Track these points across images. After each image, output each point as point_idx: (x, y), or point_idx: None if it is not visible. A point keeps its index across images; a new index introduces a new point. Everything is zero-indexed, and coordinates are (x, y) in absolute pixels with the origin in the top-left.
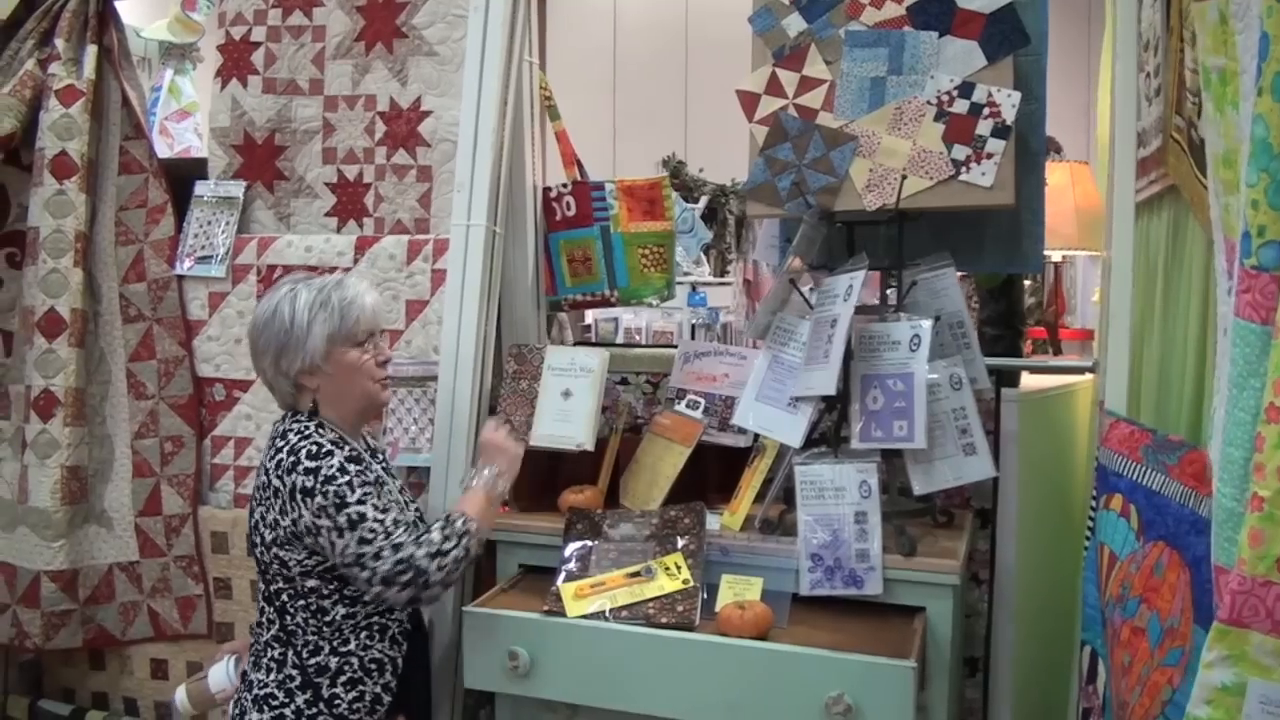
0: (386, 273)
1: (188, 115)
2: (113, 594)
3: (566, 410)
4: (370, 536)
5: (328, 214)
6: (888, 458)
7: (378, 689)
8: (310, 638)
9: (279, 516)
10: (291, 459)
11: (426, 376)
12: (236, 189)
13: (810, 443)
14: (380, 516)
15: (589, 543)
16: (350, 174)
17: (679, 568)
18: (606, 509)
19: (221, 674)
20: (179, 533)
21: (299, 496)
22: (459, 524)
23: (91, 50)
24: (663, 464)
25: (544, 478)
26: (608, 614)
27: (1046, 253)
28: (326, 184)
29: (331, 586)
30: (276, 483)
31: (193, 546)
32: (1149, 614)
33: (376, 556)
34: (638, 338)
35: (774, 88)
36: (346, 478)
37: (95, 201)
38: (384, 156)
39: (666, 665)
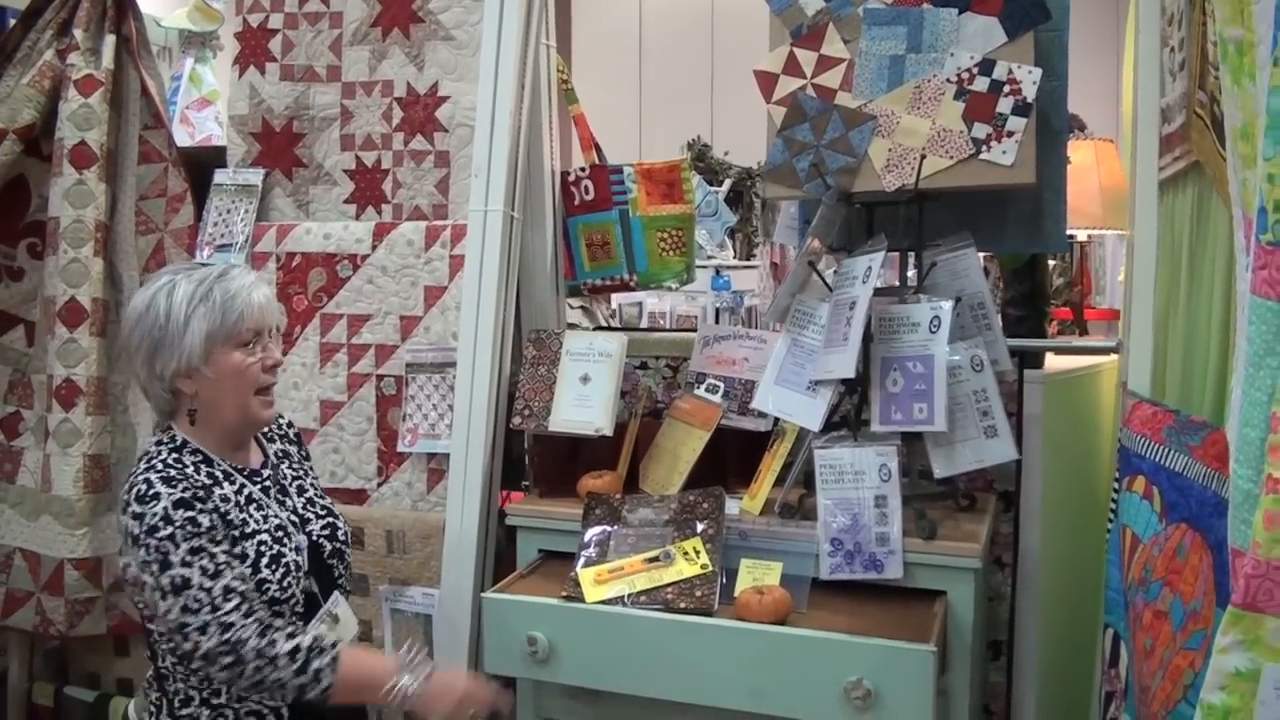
0: (405, 259)
1: (209, 104)
2: None
3: (585, 395)
4: (195, 606)
5: (346, 201)
6: (908, 441)
7: None
8: (179, 685)
9: (119, 555)
10: (126, 497)
11: (445, 363)
12: (255, 177)
13: (830, 426)
14: (208, 584)
15: (608, 528)
16: (368, 160)
17: (698, 552)
18: (625, 494)
19: None
20: None
21: (127, 540)
22: (317, 665)
23: (110, 40)
24: (682, 449)
25: (563, 463)
26: (626, 599)
27: (1071, 232)
28: (345, 171)
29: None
30: (119, 518)
31: None
32: (1171, 597)
33: (202, 630)
34: (661, 322)
35: (792, 67)
36: (169, 530)
37: (115, 191)
38: (401, 142)
39: (685, 650)
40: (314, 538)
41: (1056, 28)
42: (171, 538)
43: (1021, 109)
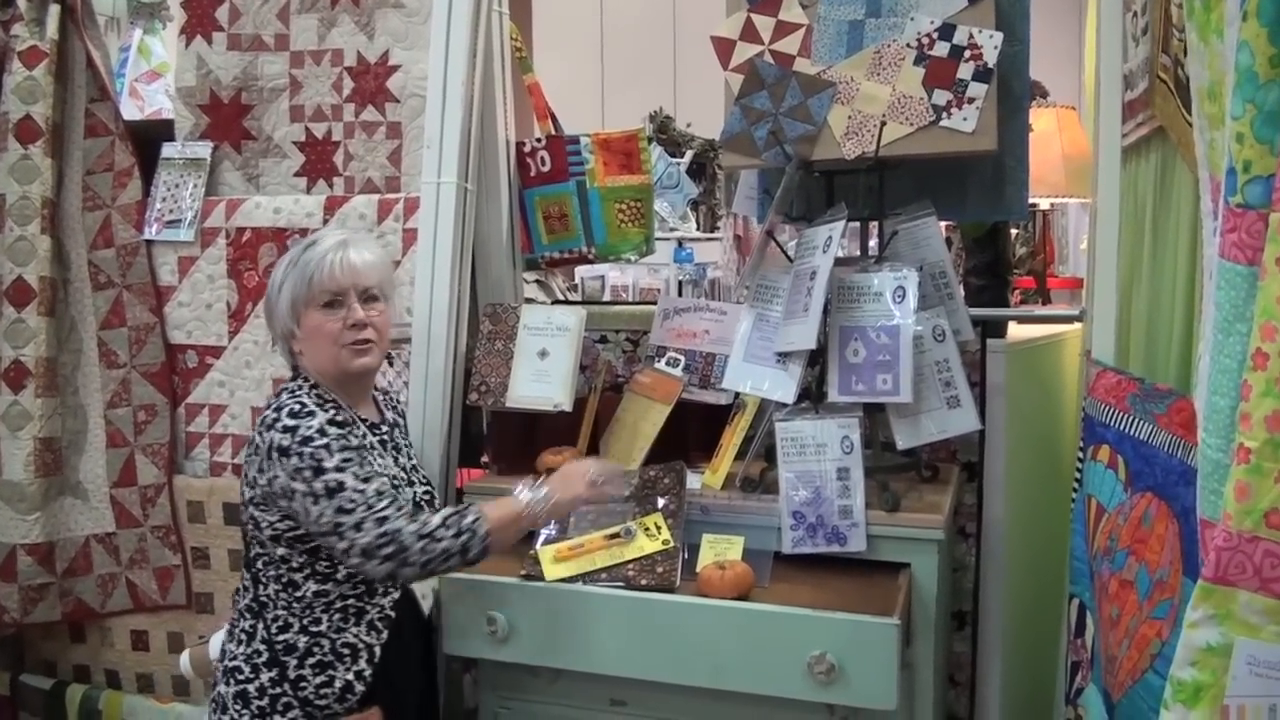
0: (357, 233)
1: (158, 76)
2: (90, 566)
3: (543, 370)
4: (350, 506)
5: (297, 174)
6: (870, 412)
7: (349, 676)
8: (280, 612)
9: (257, 474)
10: (274, 415)
11: (400, 339)
12: (204, 150)
13: None
14: (361, 486)
15: None
16: (319, 132)
17: (659, 528)
18: None
19: (220, 641)
20: (155, 503)
21: (275, 455)
22: (469, 520)
23: (54, 10)
24: (643, 423)
25: (521, 439)
26: (586, 577)
27: (1033, 200)
28: (295, 143)
29: (302, 559)
30: (259, 439)
31: (169, 516)
32: (1137, 566)
33: (358, 527)
34: (624, 295)
35: (749, 33)
36: (324, 440)
37: (61, 166)
38: (352, 113)
39: (647, 627)
40: (416, 498)
41: None
42: (326, 447)
43: (982, 75)
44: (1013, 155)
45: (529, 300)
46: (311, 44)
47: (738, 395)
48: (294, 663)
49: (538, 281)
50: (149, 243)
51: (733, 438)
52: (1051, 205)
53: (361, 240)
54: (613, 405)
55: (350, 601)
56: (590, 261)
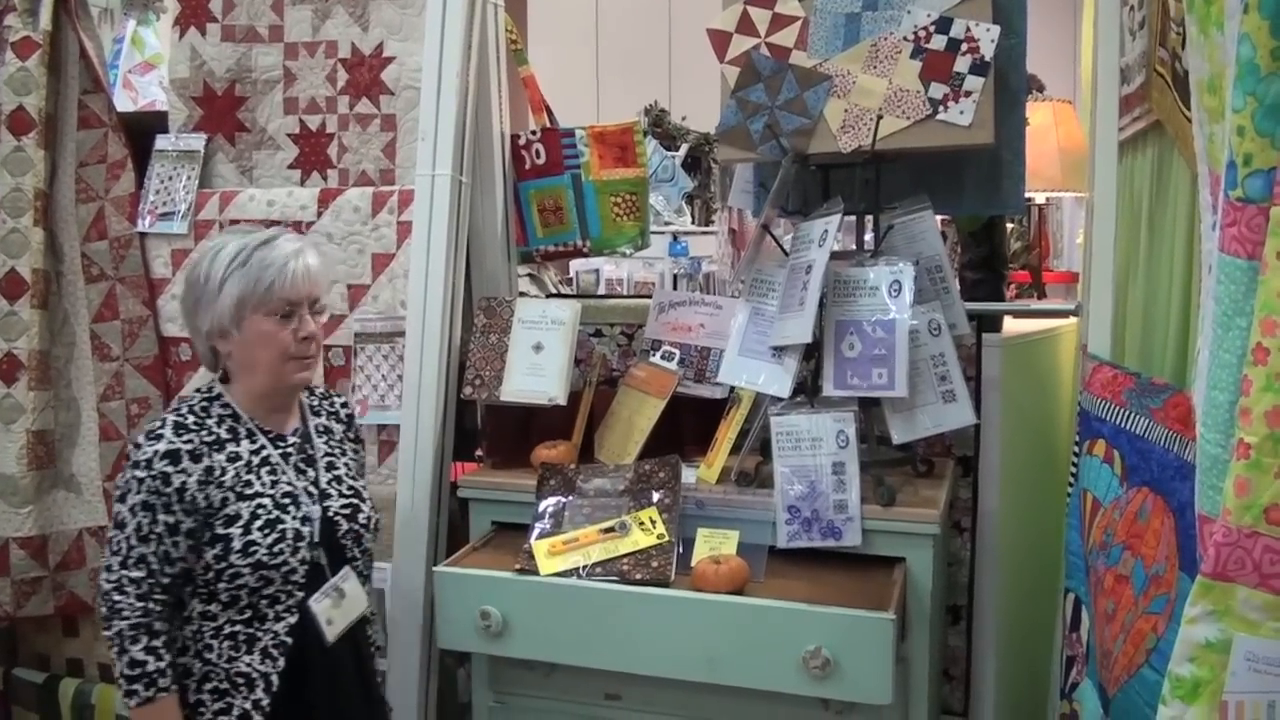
0: (351, 226)
1: (152, 68)
2: (83, 559)
3: (538, 364)
4: (116, 548)
5: (290, 166)
6: (866, 407)
7: (247, 705)
8: (176, 633)
9: None
10: (151, 423)
11: (394, 332)
12: (197, 142)
13: None
14: (133, 541)
15: (562, 499)
16: (313, 124)
17: (654, 522)
18: (580, 464)
19: None
20: None
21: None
22: (143, 690)
23: (48, 1)
24: (638, 417)
25: (516, 433)
26: (581, 571)
27: (1029, 194)
28: (289, 135)
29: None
30: None
31: None
32: (1133, 561)
33: (109, 569)
34: (619, 288)
35: (745, 26)
36: (142, 475)
37: (54, 158)
38: (347, 105)
39: (641, 622)
40: (330, 513)
41: None
42: (139, 480)
43: (979, 68)
44: (1009, 149)
45: (522, 294)
46: (305, 35)
47: (733, 389)
48: (193, 686)
49: (529, 275)
50: (142, 235)
51: (728, 432)
52: (1048, 199)
53: (309, 242)
54: (607, 399)
55: (239, 628)
56: (585, 255)
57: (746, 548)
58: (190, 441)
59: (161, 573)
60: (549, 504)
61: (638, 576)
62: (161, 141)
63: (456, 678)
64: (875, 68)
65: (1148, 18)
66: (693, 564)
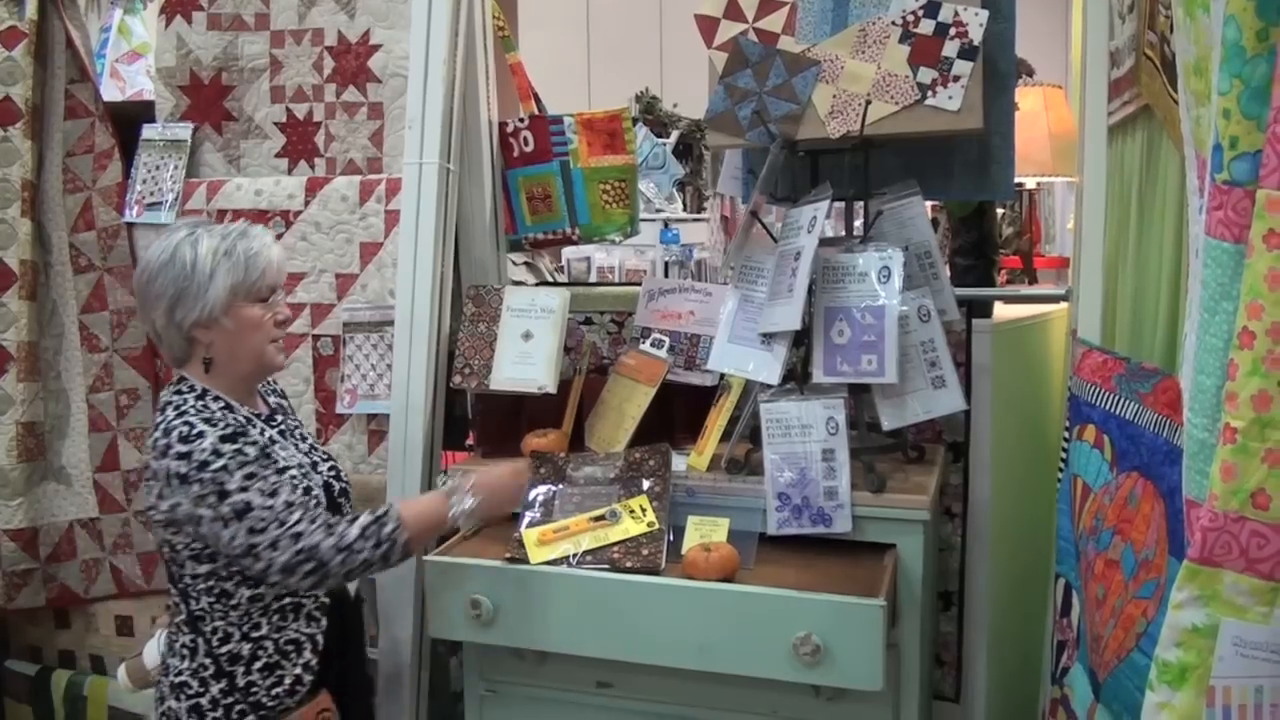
0: (339, 215)
1: (139, 57)
2: (74, 551)
3: (527, 352)
4: (261, 526)
5: (278, 155)
6: (856, 393)
7: (298, 670)
8: (218, 624)
9: (158, 500)
10: (164, 441)
11: (383, 322)
12: (184, 131)
13: None
14: (268, 503)
15: (553, 487)
16: (300, 113)
17: (644, 510)
18: (570, 452)
19: (154, 650)
20: (138, 487)
21: (175, 482)
22: (388, 529)
23: None
24: (628, 405)
25: (506, 421)
26: (572, 560)
27: (1019, 179)
28: (276, 124)
29: (231, 569)
30: (154, 464)
31: None
32: (1123, 546)
33: (273, 546)
34: (610, 276)
35: (733, 11)
36: (222, 461)
37: (41, 148)
38: (334, 94)
39: (632, 610)
40: (325, 477)
41: None
42: (225, 468)
43: (968, 52)
44: (998, 134)
45: (516, 282)
46: (292, 23)
47: (723, 377)
48: (241, 670)
49: (526, 263)
50: (130, 225)
51: (718, 419)
52: (1038, 184)
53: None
54: (597, 387)
55: (286, 599)
56: (574, 243)
57: (737, 535)
58: (226, 426)
59: (307, 502)
60: (539, 492)
61: (628, 564)
62: (148, 131)
63: (448, 666)
64: (864, 52)
65: (1136, 1)
66: (683, 551)
